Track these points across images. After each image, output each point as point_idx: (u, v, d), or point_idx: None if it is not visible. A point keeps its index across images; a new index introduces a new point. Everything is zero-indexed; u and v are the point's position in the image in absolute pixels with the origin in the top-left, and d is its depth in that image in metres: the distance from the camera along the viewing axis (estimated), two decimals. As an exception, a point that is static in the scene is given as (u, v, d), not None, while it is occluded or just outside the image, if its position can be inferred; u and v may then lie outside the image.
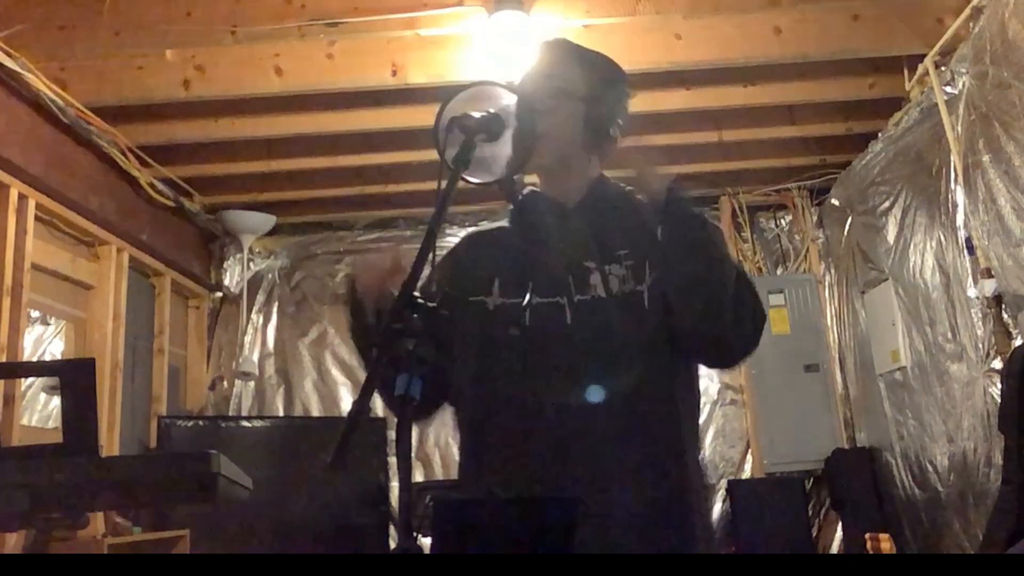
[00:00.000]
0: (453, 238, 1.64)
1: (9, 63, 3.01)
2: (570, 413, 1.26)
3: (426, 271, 1.23)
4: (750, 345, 1.35)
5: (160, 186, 4.24)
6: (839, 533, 4.53)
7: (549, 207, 1.45)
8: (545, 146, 1.38)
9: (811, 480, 4.64)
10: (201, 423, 4.40)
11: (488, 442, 1.31)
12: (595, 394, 1.26)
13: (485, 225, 1.61)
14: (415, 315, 0.97)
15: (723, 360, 1.43)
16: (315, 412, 4.88)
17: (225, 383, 4.95)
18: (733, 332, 1.32)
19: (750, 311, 1.33)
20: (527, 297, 1.32)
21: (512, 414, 1.29)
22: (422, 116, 3.79)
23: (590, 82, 1.46)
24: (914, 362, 3.87)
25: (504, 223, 1.51)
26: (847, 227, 4.60)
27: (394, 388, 0.94)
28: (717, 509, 4.72)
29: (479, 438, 1.34)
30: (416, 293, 0.99)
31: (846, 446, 4.59)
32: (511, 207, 1.50)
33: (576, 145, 1.45)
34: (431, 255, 1.09)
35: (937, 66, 3.36)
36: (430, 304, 0.98)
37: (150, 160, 4.05)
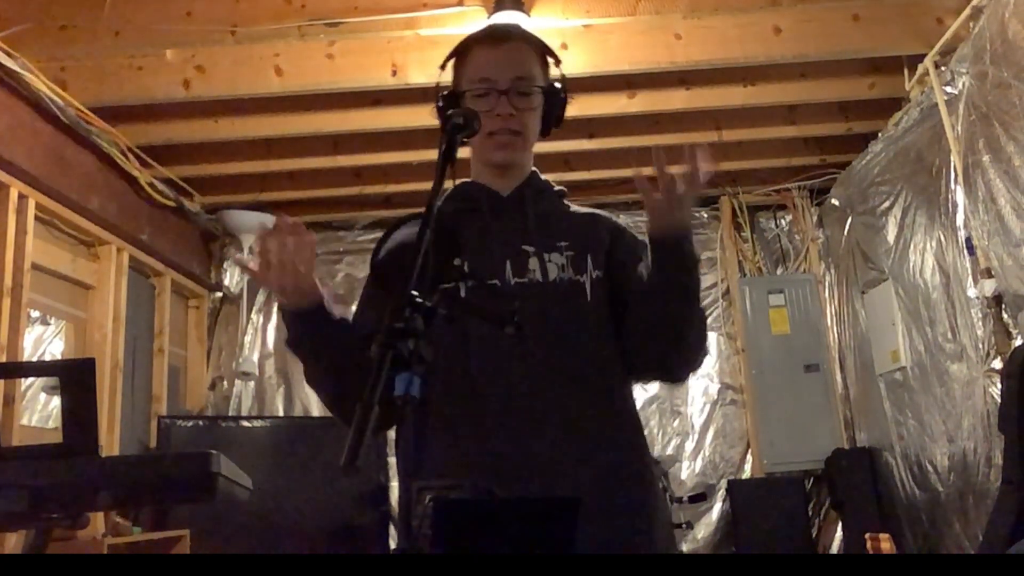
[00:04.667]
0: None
1: (9, 63, 3.01)
2: (509, 394, 1.26)
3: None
4: (696, 369, 1.42)
5: (160, 186, 4.24)
6: (839, 533, 4.53)
7: (484, 195, 1.44)
8: (517, 143, 1.41)
9: (811, 480, 4.64)
10: (201, 423, 4.41)
11: (428, 425, 1.29)
12: (534, 377, 1.26)
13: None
14: (415, 314, 0.97)
15: (670, 382, 1.48)
16: (315, 412, 4.88)
17: (225, 383, 4.95)
18: (691, 364, 1.39)
19: (703, 341, 1.39)
20: (464, 281, 1.31)
21: (451, 396, 1.28)
22: (422, 116, 3.76)
23: (546, 74, 1.46)
24: (914, 362, 3.87)
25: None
26: (847, 227, 4.60)
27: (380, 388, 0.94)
28: (717, 509, 4.73)
29: (419, 422, 1.31)
30: (415, 292, 0.99)
31: (846, 446, 4.60)
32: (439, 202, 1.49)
33: (534, 139, 1.47)
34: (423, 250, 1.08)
35: (937, 66, 3.36)
36: (428, 304, 0.98)
37: (150, 160, 4.05)
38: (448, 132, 1.16)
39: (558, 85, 1.46)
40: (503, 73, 1.39)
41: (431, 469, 1.24)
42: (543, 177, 1.51)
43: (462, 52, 1.45)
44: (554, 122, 1.46)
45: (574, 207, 1.51)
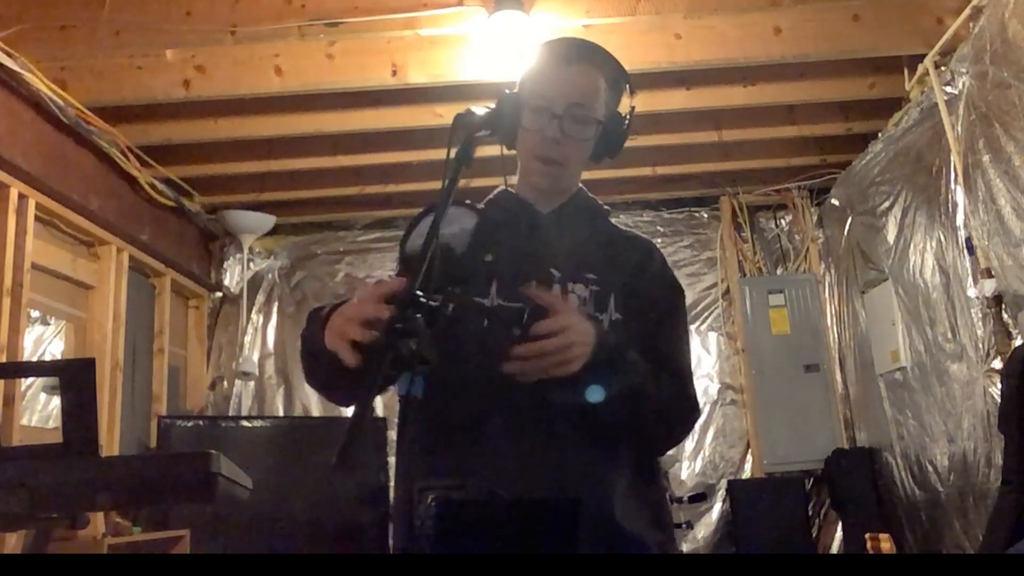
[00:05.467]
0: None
1: (9, 63, 3.01)
2: (519, 420, 1.23)
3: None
4: (683, 436, 1.40)
5: (160, 186, 4.24)
6: (839, 533, 4.53)
7: (521, 208, 1.41)
8: (558, 173, 1.38)
9: (811, 480, 4.64)
10: (201, 423, 4.41)
11: (439, 438, 1.26)
12: (541, 406, 1.23)
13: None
14: (418, 314, 0.97)
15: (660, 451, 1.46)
16: (315, 412, 4.88)
17: (225, 383, 4.95)
18: (672, 440, 1.39)
19: (680, 414, 1.34)
20: (490, 296, 1.29)
21: (462, 413, 1.26)
22: (422, 116, 3.79)
23: (611, 101, 1.40)
24: (914, 362, 3.87)
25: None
26: (847, 227, 4.60)
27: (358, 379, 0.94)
28: (717, 509, 4.73)
29: (432, 435, 1.27)
30: (419, 292, 0.99)
31: (846, 446, 4.59)
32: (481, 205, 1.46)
33: (583, 166, 1.43)
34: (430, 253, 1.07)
35: (937, 66, 3.36)
36: (432, 303, 0.98)
37: (150, 160, 4.05)
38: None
39: (622, 114, 1.41)
40: (562, 97, 1.34)
41: (435, 471, 1.22)
42: (590, 195, 1.47)
43: (540, 57, 1.40)
44: (609, 151, 1.41)
45: (620, 227, 1.48)
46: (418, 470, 1.23)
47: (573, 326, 1.13)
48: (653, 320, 1.34)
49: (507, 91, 1.37)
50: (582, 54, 1.37)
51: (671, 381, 1.30)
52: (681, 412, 1.34)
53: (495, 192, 1.46)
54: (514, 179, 1.46)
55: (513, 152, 1.41)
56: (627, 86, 1.43)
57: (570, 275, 1.33)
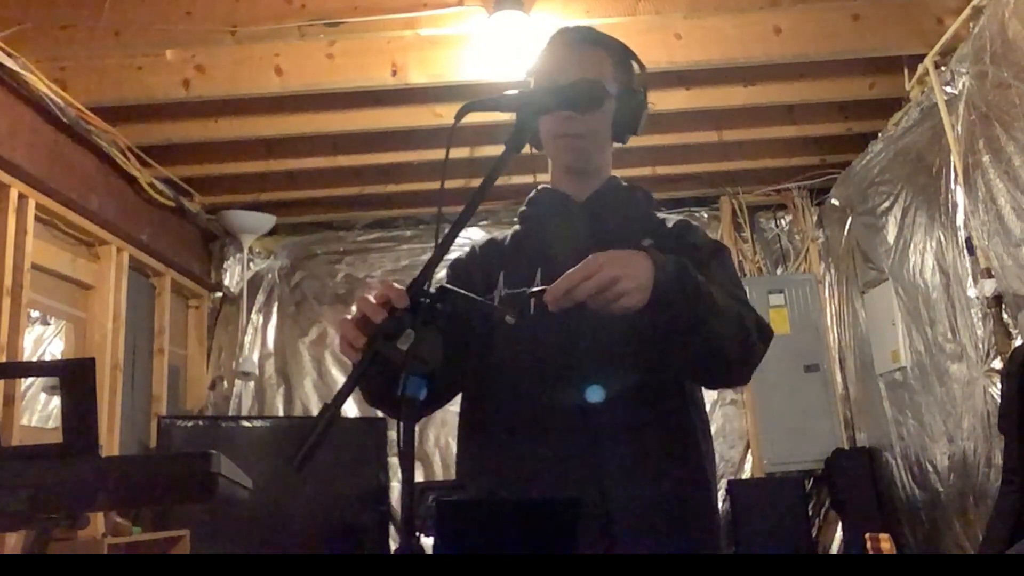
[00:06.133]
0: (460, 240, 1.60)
1: (9, 63, 3.01)
2: (574, 409, 1.25)
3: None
4: (757, 362, 1.32)
5: (160, 186, 4.24)
6: (839, 533, 4.53)
7: (559, 200, 1.45)
8: (582, 146, 1.41)
9: (811, 480, 4.64)
10: (201, 423, 4.40)
11: (487, 437, 1.30)
12: (596, 392, 1.25)
13: (484, 225, 1.60)
14: (414, 315, 0.96)
15: (725, 384, 1.46)
16: (315, 412, 4.83)
17: (225, 383, 4.95)
18: (746, 364, 1.30)
19: (748, 338, 1.26)
20: (535, 286, 1.30)
21: (515, 409, 1.28)
22: (422, 116, 3.79)
23: (621, 76, 1.43)
24: (914, 362, 3.87)
25: (515, 228, 1.51)
26: (847, 227, 4.60)
27: (389, 389, 0.94)
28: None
29: (479, 433, 1.32)
30: (422, 292, 0.98)
31: (846, 446, 4.59)
32: (523, 207, 1.51)
33: (606, 143, 1.45)
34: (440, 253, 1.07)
35: (937, 66, 3.36)
36: (433, 303, 0.97)
37: (150, 160, 4.05)
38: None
39: (635, 88, 1.43)
40: (570, 75, 1.32)
41: (483, 482, 1.25)
42: (624, 182, 1.48)
43: (545, 47, 1.46)
44: (629, 127, 1.43)
45: (661, 215, 1.47)
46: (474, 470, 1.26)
47: (608, 261, 1.09)
48: (702, 263, 1.29)
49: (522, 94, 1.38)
50: (585, 37, 1.43)
51: (743, 305, 1.27)
52: (763, 329, 1.29)
53: (535, 192, 1.50)
54: (546, 177, 1.51)
55: (536, 149, 1.46)
56: (634, 63, 1.46)
57: None
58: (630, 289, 1.08)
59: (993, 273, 3.07)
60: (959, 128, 3.21)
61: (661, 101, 3.83)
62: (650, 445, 1.28)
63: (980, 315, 3.23)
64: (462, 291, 1.17)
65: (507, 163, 1.13)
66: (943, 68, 3.34)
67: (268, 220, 4.80)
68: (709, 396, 4.85)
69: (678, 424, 1.33)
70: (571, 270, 1.10)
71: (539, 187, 1.50)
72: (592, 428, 1.25)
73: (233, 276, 5.10)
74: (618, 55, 1.44)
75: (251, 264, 5.11)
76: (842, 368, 4.81)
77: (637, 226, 1.41)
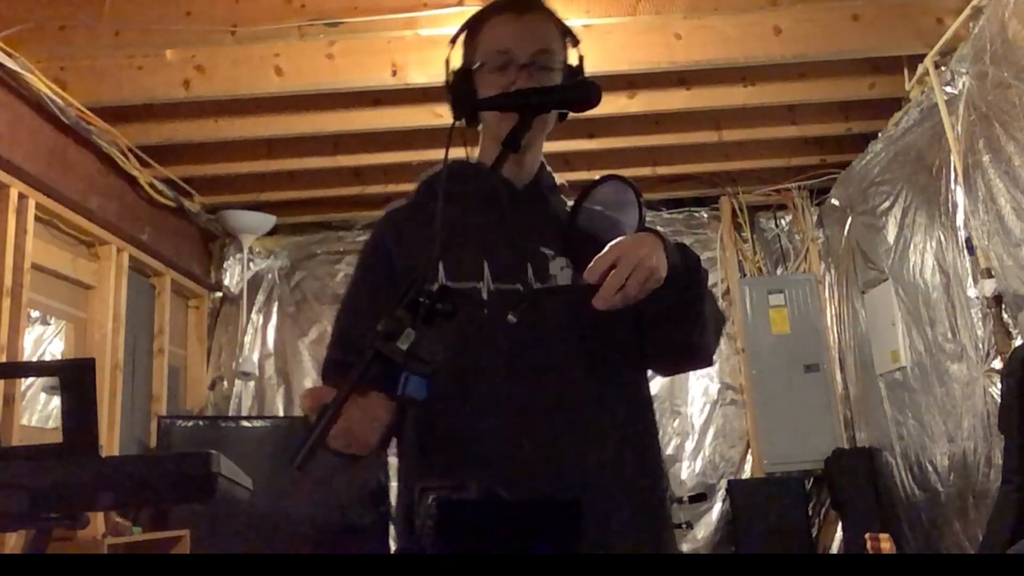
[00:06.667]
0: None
1: (9, 63, 3.01)
2: (528, 404, 1.21)
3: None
4: (713, 351, 1.35)
5: (160, 186, 4.24)
6: (839, 533, 4.53)
7: (500, 186, 1.32)
8: (538, 124, 1.27)
9: (811, 480, 4.64)
10: (201, 423, 4.41)
11: (436, 436, 1.23)
12: (554, 386, 1.22)
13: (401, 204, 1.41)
14: (414, 314, 0.96)
15: (695, 367, 1.41)
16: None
17: (225, 383, 4.95)
18: (712, 348, 1.33)
19: (721, 327, 1.34)
20: (484, 281, 1.25)
21: (466, 405, 1.22)
22: (422, 116, 3.79)
23: (566, 54, 1.35)
24: (914, 362, 3.87)
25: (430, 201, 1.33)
26: (847, 227, 4.60)
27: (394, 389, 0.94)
28: (717, 509, 4.73)
29: (427, 432, 1.25)
30: (422, 291, 0.98)
31: (846, 446, 4.59)
32: (428, 179, 1.39)
33: (551, 117, 1.33)
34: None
35: (937, 66, 3.36)
36: (437, 304, 0.97)
37: (150, 160, 4.05)
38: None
39: (578, 67, 1.36)
40: (524, 46, 1.29)
41: (435, 470, 1.20)
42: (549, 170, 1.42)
43: (478, 22, 1.34)
44: (590, 93, 1.25)
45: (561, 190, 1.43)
46: (421, 470, 1.22)
47: (645, 253, 1.10)
48: None
49: (452, 71, 1.33)
50: (530, 3, 1.34)
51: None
52: (719, 319, 1.33)
53: (459, 165, 1.33)
54: (474, 152, 1.39)
55: (469, 126, 1.36)
56: (569, 39, 1.38)
57: (560, 251, 1.29)
58: (661, 275, 1.11)
59: (993, 273, 3.07)
60: (959, 128, 3.21)
61: (661, 101, 3.83)
62: (606, 445, 1.24)
63: (980, 315, 3.23)
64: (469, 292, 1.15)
65: (503, 163, 1.13)
66: (943, 68, 3.33)
67: (268, 220, 4.80)
68: (709, 396, 4.88)
69: (637, 424, 1.30)
70: (612, 269, 1.08)
71: (462, 160, 1.34)
72: (540, 425, 1.21)
73: (233, 276, 5.10)
74: (559, 24, 1.36)
75: (251, 264, 5.11)
76: (842, 368, 4.81)
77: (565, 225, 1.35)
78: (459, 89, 1.32)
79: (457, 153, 1.31)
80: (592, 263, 1.10)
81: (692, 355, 1.32)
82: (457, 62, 1.35)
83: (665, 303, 1.16)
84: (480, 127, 1.36)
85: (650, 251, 1.11)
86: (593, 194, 1.30)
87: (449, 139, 1.20)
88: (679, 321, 1.22)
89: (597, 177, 1.31)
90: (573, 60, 1.37)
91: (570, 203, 1.37)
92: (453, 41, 1.37)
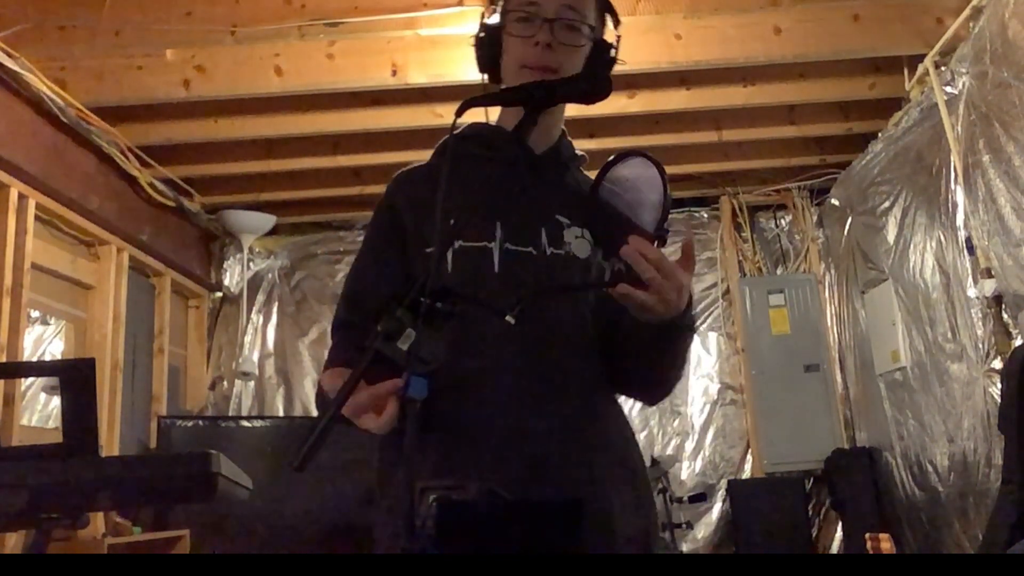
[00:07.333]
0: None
1: (9, 63, 3.01)
2: (528, 403, 1.19)
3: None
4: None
5: (160, 186, 4.24)
6: (839, 533, 4.53)
7: (516, 149, 1.25)
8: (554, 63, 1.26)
9: (811, 480, 4.64)
10: (201, 423, 4.40)
11: (436, 436, 1.16)
12: (555, 384, 1.22)
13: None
14: (414, 314, 0.96)
15: (650, 401, 1.42)
16: (315, 412, 4.87)
17: (225, 383, 4.95)
18: (667, 392, 1.33)
19: (683, 368, 1.31)
20: (496, 240, 1.23)
21: (466, 404, 1.19)
22: (422, 116, 3.79)
23: (598, 22, 1.32)
24: (914, 362, 3.87)
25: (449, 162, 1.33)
26: (847, 227, 4.60)
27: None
28: (717, 509, 4.73)
29: (426, 432, 1.18)
30: (422, 291, 0.97)
31: (846, 446, 4.60)
32: (461, 138, 1.35)
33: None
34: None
35: (937, 66, 3.36)
36: (437, 304, 0.96)
37: (150, 160, 4.05)
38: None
39: (608, 43, 1.31)
40: (549, 5, 1.25)
41: (429, 470, 1.17)
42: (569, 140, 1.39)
43: None
44: (596, 85, 1.21)
45: (581, 165, 1.42)
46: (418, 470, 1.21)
47: (686, 282, 1.10)
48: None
49: (481, 26, 1.32)
50: None
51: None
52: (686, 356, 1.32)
53: (480, 127, 1.34)
54: (494, 117, 1.37)
55: (492, 82, 1.34)
56: (608, 15, 1.34)
57: (577, 221, 1.28)
58: (681, 303, 1.10)
59: (993, 273, 3.07)
60: (959, 128, 3.21)
61: (661, 101, 3.83)
62: (586, 435, 1.23)
63: (980, 315, 3.23)
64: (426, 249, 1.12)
65: (526, 129, 1.11)
66: (943, 68, 3.34)
67: (268, 220, 4.80)
68: (709, 396, 4.88)
69: (622, 418, 1.31)
70: (666, 280, 1.06)
71: (482, 123, 1.35)
72: (550, 422, 1.20)
73: (233, 276, 5.10)
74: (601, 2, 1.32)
75: (251, 264, 5.11)
76: (842, 368, 4.81)
77: (584, 197, 1.32)
78: (484, 45, 1.31)
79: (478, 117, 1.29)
80: (638, 248, 1.06)
81: (655, 389, 1.32)
82: (493, 17, 1.33)
83: (662, 332, 1.14)
84: (503, 87, 1.32)
85: (687, 281, 1.10)
86: (616, 170, 1.24)
87: (450, 136, 1.18)
88: (661, 354, 1.20)
89: (618, 153, 1.25)
90: (607, 34, 1.33)
91: (590, 175, 1.34)
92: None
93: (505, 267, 1.23)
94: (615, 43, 1.32)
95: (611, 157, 1.20)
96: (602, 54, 1.30)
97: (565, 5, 1.26)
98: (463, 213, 1.15)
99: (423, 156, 1.44)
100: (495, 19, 1.33)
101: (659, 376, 1.27)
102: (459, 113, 1.18)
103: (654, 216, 1.12)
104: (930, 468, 3.77)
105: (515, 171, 1.29)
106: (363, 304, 1.31)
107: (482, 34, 1.33)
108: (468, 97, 1.13)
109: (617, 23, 1.35)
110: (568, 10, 1.26)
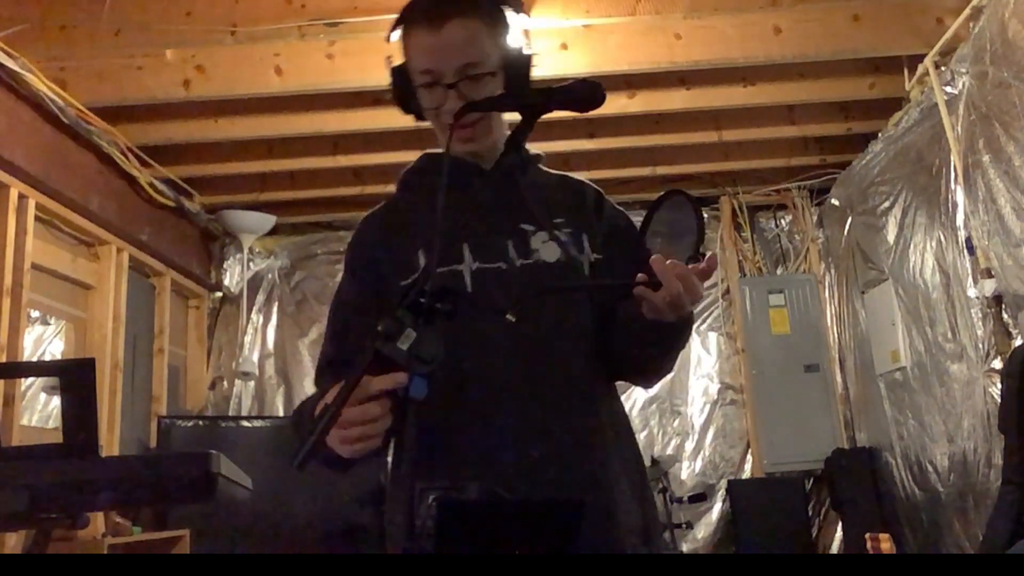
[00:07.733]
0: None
1: (9, 63, 3.01)
2: (528, 402, 1.20)
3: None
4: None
5: (160, 186, 4.24)
6: (839, 533, 4.53)
7: (466, 170, 1.30)
8: (482, 129, 1.28)
9: (811, 480, 4.65)
10: (201, 423, 4.40)
11: (436, 436, 1.17)
12: (554, 383, 1.22)
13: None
14: (414, 314, 0.96)
15: (645, 384, 1.46)
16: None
17: (225, 383, 4.95)
18: (663, 376, 1.36)
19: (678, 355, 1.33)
20: (465, 262, 1.24)
21: (466, 404, 1.20)
22: (422, 116, 3.79)
23: (500, 42, 1.28)
24: (914, 362, 3.87)
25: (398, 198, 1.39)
26: (847, 227, 4.60)
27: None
28: (717, 509, 4.73)
29: (426, 431, 1.18)
30: (422, 291, 0.98)
31: (846, 446, 4.60)
32: (404, 176, 1.40)
33: (500, 116, 1.33)
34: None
35: (937, 66, 3.36)
36: (436, 304, 0.96)
37: (150, 160, 4.05)
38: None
39: (520, 51, 1.28)
40: (447, 63, 1.23)
41: (429, 470, 1.19)
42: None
43: (403, 26, 1.31)
44: (593, 94, 1.17)
45: (552, 172, 1.40)
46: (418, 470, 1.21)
47: (694, 280, 1.10)
48: (638, 256, 1.25)
49: (394, 68, 1.34)
50: (444, 10, 1.25)
51: None
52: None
53: (423, 159, 1.39)
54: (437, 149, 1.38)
55: (427, 123, 1.35)
56: (502, 28, 1.30)
57: (541, 225, 1.28)
58: (692, 306, 1.13)
59: (993, 273, 3.07)
60: (959, 128, 3.21)
61: (661, 101, 3.83)
62: (582, 434, 1.23)
63: (980, 315, 3.23)
64: (401, 282, 1.13)
65: (451, 145, 1.15)
66: (943, 68, 3.34)
67: (268, 220, 4.80)
68: (709, 396, 4.88)
69: (611, 404, 1.31)
70: (686, 294, 1.08)
71: (421, 156, 1.39)
72: (536, 403, 1.21)
73: (233, 276, 5.10)
74: (487, 15, 1.27)
75: (251, 264, 5.10)
76: (842, 368, 4.81)
77: (550, 191, 1.34)
78: (399, 95, 1.36)
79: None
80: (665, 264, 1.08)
81: (652, 375, 1.35)
82: (397, 58, 1.34)
83: (665, 327, 1.16)
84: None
85: (702, 290, 1.12)
86: (658, 215, 1.30)
87: (449, 140, 1.20)
88: (661, 345, 1.23)
89: (662, 193, 1.31)
90: (512, 43, 1.29)
91: (550, 172, 1.39)
92: (388, 38, 1.35)
93: (478, 286, 1.24)
94: (524, 35, 1.31)
95: (654, 200, 1.30)
96: (518, 70, 1.27)
97: (462, 64, 1.23)
98: (431, 241, 1.13)
99: (423, 156, 1.46)
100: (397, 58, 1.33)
101: (657, 364, 1.30)
102: (458, 116, 1.18)
103: (691, 239, 1.21)
104: (930, 468, 3.77)
105: (468, 191, 1.28)
106: (349, 342, 1.34)
107: (396, 81, 1.34)
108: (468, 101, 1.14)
109: (519, 10, 1.33)
110: (466, 66, 1.23)
